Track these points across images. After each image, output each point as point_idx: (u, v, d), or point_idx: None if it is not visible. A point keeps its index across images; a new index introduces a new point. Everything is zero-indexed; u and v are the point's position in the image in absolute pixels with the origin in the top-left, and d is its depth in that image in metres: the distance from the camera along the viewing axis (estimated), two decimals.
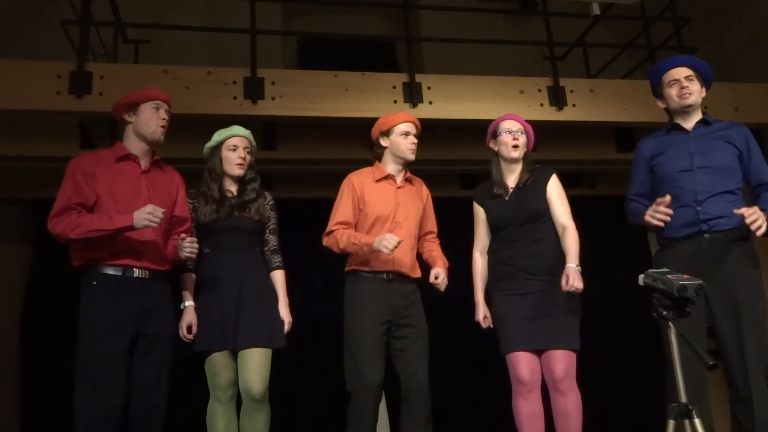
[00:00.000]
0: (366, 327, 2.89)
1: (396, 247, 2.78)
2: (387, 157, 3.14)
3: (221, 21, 4.73)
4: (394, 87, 4.03)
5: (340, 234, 2.97)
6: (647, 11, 4.86)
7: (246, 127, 3.15)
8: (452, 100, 4.08)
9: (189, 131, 3.84)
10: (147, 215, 2.52)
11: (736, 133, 2.89)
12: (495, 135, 3.11)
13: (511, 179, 3.07)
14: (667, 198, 2.70)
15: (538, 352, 2.87)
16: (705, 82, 2.98)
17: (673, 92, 2.93)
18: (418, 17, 5.80)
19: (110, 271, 2.63)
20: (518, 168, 3.07)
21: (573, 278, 2.77)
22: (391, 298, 2.95)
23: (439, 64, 5.12)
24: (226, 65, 3.95)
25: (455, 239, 3.39)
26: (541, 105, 4.20)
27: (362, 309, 2.92)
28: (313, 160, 4.40)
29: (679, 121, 2.97)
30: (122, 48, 4.63)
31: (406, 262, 3.01)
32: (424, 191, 3.23)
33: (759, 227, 2.60)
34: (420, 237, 3.18)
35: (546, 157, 4.45)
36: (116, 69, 3.85)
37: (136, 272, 2.66)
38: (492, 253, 3.05)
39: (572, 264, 2.83)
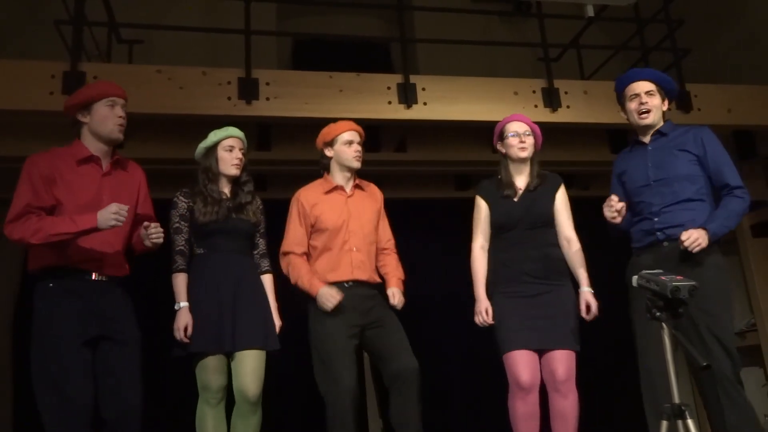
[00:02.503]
0: (335, 332, 2.88)
1: (335, 305, 2.85)
2: (334, 166, 3.14)
3: (216, 21, 4.72)
4: (389, 88, 4.03)
5: (295, 266, 3.00)
6: (641, 13, 4.88)
7: (240, 127, 3.14)
8: (447, 102, 4.08)
9: (183, 132, 3.84)
10: (113, 215, 2.42)
11: (691, 138, 2.88)
12: (502, 137, 3.11)
13: (520, 180, 3.08)
14: (621, 203, 2.79)
15: (538, 353, 2.87)
16: (668, 95, 2.98)
17: (632, 107, 2.95)
18: (413, 18, 5.80)
19: (66, 275, 2.53)
20: (526, 169, 3.09)
21: (594, 306, 2.88)
22: (355, 303, 2.94)
23: (433, 66, 5.12)
24: (220, 66, 3.95)
25: (450, 240, 3.39)
26: (536, 106, 4.21)
27: (329, 315, 2.90)
28: (308, 161, 4.37)
29: (639, 135, 3.01)
30: (116, 48, 4.62)
31: (365, 271, 3.02)
32: (378, 195, 3.23)
33: (695, 248, 2.63)
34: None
35: (540, 158, 4.45)
36: (110, 69, 3.83)
37: (94, 276, 2.59)
38: (494, 253, 3.04)
39: (587, 288, 2.92)
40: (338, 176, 3.13)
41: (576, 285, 2.99)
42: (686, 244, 2.63)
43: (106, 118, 2.66)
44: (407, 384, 2.86)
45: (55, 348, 2.45)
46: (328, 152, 3.13)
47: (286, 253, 3.05)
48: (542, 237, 2.98)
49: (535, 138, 3.10)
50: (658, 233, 2.80)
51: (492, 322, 2.93)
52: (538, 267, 2.92)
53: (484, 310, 2.95)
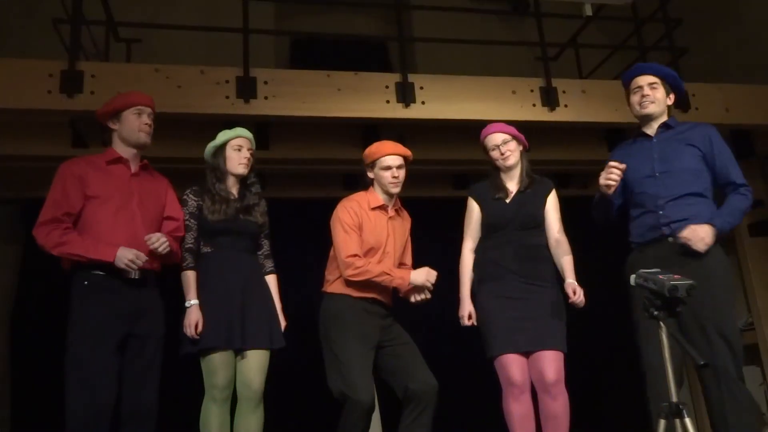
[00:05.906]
0: (356, 344, 2.87)
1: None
2: (376, 186, 3.12)
3: (214, 20, 4.71)
4: (387, 87, 4.03)
5: (370, 266, 2.93)
6: (639, 12, 4.89)
7: (238, 126, 3.14)
8: (445, 101, 4.08)
9: (181, 130, 3.84)
10: (128, 261, 2.59)
11: (698, 134, 2.89)
12: (486, 149, 3.12)
13: (512, 184, 3.09)
14: (622, 165, 2.77)
15: (526, 354, 2.88)
16: (673, 89, 2.99)
17: (635, 100, 2.97)
18: (411, 17, 5.80)
19: (102, 272, 2.64)
20: (516, 172, 3.10)
21: (579, 292, 2.86)
22: (377, 319, 2.97)
23: (432, 64, 5.12)
24: (218, 64, 3.94)
25: (448, 240, 3.39)
26: (534, 105, 4.21)
27: (351, 326, 2.90)
28: (306, 160, 4.40)
29: (644, 128, 3.00)
30: (114, 47, 4.62)
31: (389, 293, 3.06)
32: (408, 224, 3.24)
33: (701, 247, 2.66)
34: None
35: (538, 157, 4.45)
36: (108, 68, 3.83)
37: (130, 273, 2.68)
38: (481, 252, 3.06)
39: (572, 279, 2.90)
40: (382, 196, 3.10)
41: (563, 289, 2.96)
42: (692, 243, 2.63)
43: (133, 126, 2.85)
44: (424, 403, 2.86)
45: (84, 343, 2.56)
46: (369, 173, 3.12)
47: (354, 256, 2.93)
48: (531, 238, 2.98)
49: (517, 140, 3.10)
50: (664, 228, 2.78)
51: (474, 324, 2.97)
52: (526, 267, 2.93)
53: (466, 314, 2.99)
